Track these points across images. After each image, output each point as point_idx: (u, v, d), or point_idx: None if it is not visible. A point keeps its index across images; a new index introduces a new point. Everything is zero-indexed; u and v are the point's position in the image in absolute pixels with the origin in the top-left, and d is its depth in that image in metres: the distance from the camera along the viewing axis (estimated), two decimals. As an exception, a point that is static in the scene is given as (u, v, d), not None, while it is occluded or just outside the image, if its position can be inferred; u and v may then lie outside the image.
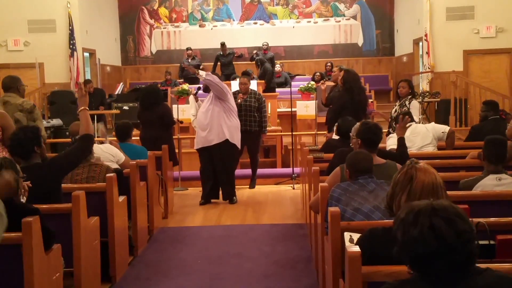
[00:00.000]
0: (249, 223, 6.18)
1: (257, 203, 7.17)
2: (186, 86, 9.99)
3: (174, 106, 8.65)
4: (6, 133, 4.47)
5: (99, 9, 13.83)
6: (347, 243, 2.69)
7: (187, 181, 8.18)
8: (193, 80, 12.78)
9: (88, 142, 3.97)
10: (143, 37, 15.57)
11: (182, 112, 8.63)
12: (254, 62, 13.44)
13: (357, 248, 2.30)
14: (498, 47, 11.85)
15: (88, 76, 12.65)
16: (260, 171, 8.18)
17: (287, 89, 11.66)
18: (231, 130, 6.84)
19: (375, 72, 15.17)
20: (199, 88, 7.29)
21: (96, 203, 4.12)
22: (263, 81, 11.95)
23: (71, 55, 11.68)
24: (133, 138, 6.25)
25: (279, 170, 8.88)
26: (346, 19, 15.42)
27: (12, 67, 11.14)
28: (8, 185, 3.01)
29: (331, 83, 7.69)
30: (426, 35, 12.00)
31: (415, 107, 6.63)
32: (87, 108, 3.95)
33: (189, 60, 14.00)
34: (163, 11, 15.55)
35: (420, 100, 10.28)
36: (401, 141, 4.82)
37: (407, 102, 6.64)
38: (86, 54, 12.81)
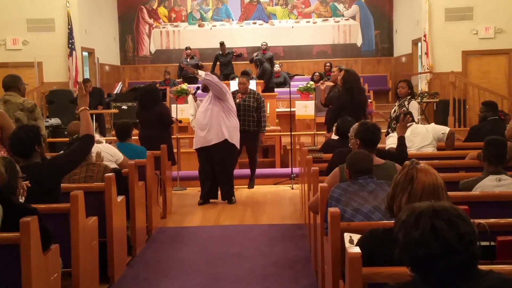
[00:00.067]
0: (248, 223, 6.17)
1: (256, 203, 7.16)
2: (185, 86, 9.98)
3: (173, 106, 8.64)
4: (5, 133, 4.46)
5: (98, 8, 13.81)
6: (347, 244, 2.68)
7: (185, 181, 8.16)
8: (192, 79, 12.77)
9: (89, 143, 3.96)
10: (142, 37, 15.55)
11: (181, 111, 8.62)
12: (253, 63, 13.44)
13: (357, 249, 2.28)
14: (497, 48, 11.87)
15: (86, 76, 12.64)
16: (259, 171, 8.17)
17: (286, 89, 11.67)
18: (230, 130, 6.82)
19: (374, 73, 15.17)
20: (198, 88, 7.27)
21: (94, 203, 4.11)
22: (262, 81, 11.94)
23: (70, 54, 11.67)
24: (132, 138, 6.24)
25: (278, 170, 8.86)
26: (345, 20, 15.42)
27: (10, 66, 11.13)
28: None
29: (331, 83, 7.68)
30: (425, 36, 12.00)
31: (414, 107, 6.63)
32: (87, 108, 3.93)
33: (188, 60, 13.99)
34: (162, 11, 15.54)
35: (419, 100, 10.29)
36: (401, 140, 4.80)
37: (406, 103, 6.63)
38: (85, 53, 12.80)
